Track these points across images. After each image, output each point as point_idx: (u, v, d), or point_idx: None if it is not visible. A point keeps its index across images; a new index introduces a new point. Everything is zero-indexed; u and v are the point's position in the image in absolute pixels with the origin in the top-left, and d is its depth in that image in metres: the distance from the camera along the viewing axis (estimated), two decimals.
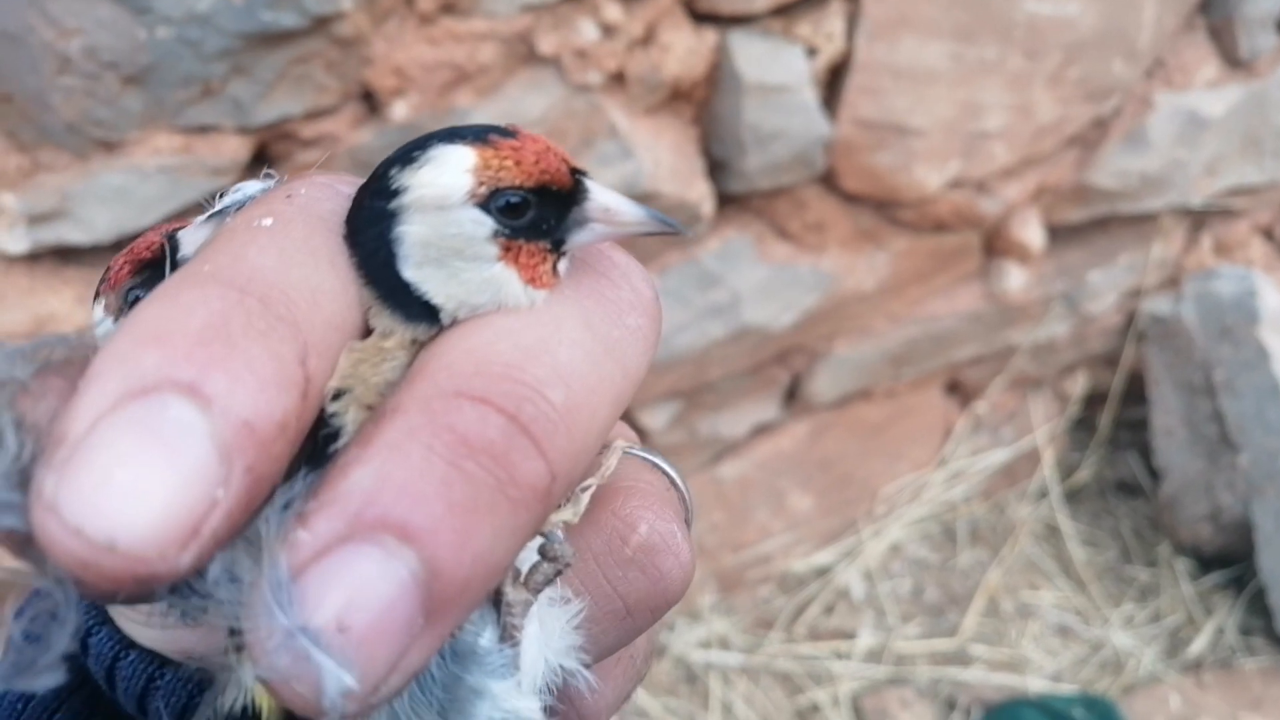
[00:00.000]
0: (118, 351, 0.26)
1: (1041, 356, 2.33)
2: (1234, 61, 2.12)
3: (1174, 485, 2.29)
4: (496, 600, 0.34)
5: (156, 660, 0.38)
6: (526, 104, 1.49)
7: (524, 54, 1.47)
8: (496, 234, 0.32)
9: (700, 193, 1.68)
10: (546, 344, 0.31)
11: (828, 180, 1.83)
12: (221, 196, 0.35)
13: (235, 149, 1.37)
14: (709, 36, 1.60)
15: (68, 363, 0.28)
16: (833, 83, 1.75)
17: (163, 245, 0.35)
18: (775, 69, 1.62)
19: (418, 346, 0.32)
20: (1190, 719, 1.94)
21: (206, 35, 1.25)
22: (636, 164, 1.57)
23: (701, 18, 1.60)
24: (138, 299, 0.32)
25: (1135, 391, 2.39)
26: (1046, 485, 2.37)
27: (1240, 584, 2.18)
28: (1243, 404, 2.17)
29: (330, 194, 0.33)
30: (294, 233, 0.31)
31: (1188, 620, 2.16)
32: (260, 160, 1.43)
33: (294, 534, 0.27)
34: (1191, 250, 2.39)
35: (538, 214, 0.33)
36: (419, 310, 0.32)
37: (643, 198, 1.61)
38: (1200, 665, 2.07)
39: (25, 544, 0.26)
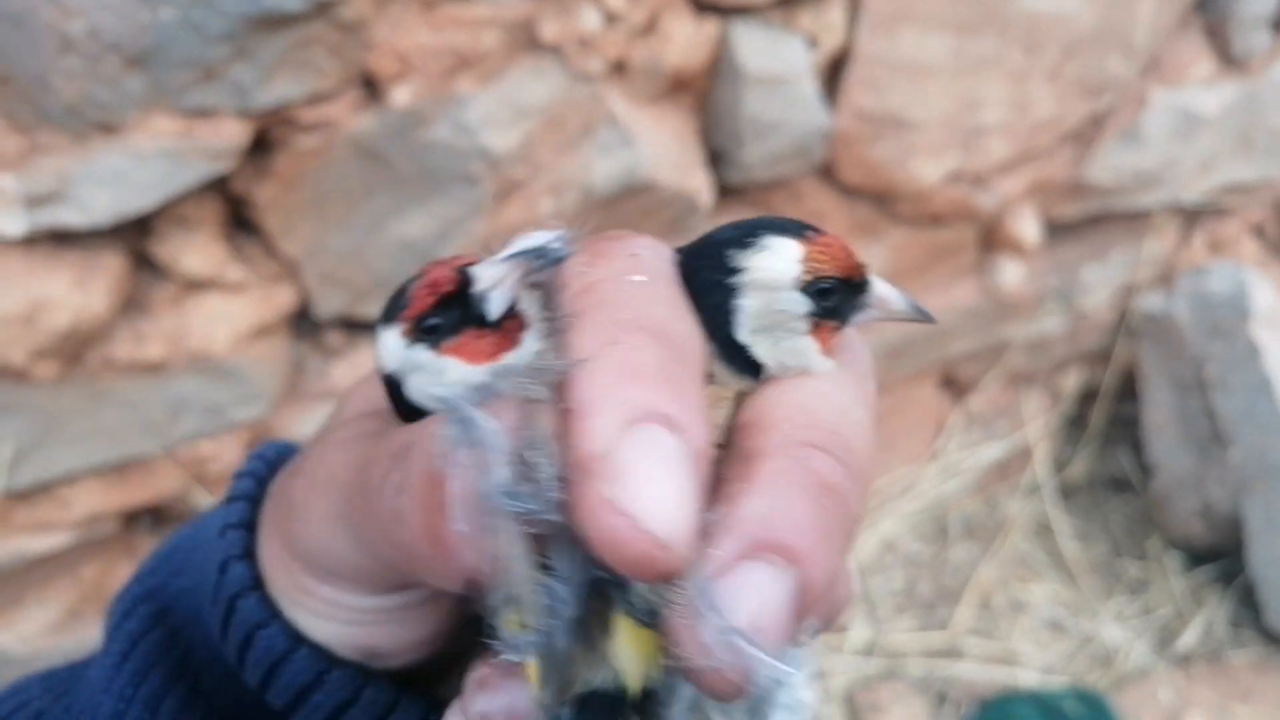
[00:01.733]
0: (605, 384, 0.31)
1: (1035, 352, 2.34)
2: (1228, 60, 2.13)
3: (1165, 481, 2.31)
4: None
5: (326, 658, 0.43)
6: (528, 91, 1.49)
7: (526, 41, 1.47)
8: (810, 313, 0.39)
9: (699, 182, 1.68)
10: (849, 406, 0.38)
11: (826, 172, 1.84)
12: (512, 244, 0.39)
13: (234, 132, 1.36)
14: (710, 26, 1.60)
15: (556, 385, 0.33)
16: (833, 74, 1.75)
17: (459, 280, 0.39)
18: (776, 60, 1.62)
19: (739, 397, 0.39)
20: (1179, 711, 1.95)
21: (210, 17, 1.24)
22: (636, 153, 1.57)
23: (703, 7, 1.60)
24: (436, 327, 0.38)
25: (1128, 388, 2.41)
26: (1039, 480, 2.38)
27: (1230, 578, 2.20)
28: (1234, 400, 2.18)
29: (664, 256, 0.39)
30: (664, 290, 0.36)
31: (1177, 614, 2.18)
32: (259, 145, 1.42)
33: (706, 550, 0.32)
34: (1184, 248, 2.40)
35: (839, 299, 0.40)
36: (745, 366, 0.39)
37: (641, 187, 1.61)
38: (1190, 658, 2.08)
39: (551, 539, 0.32)
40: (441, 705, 0.43)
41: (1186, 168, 2.21)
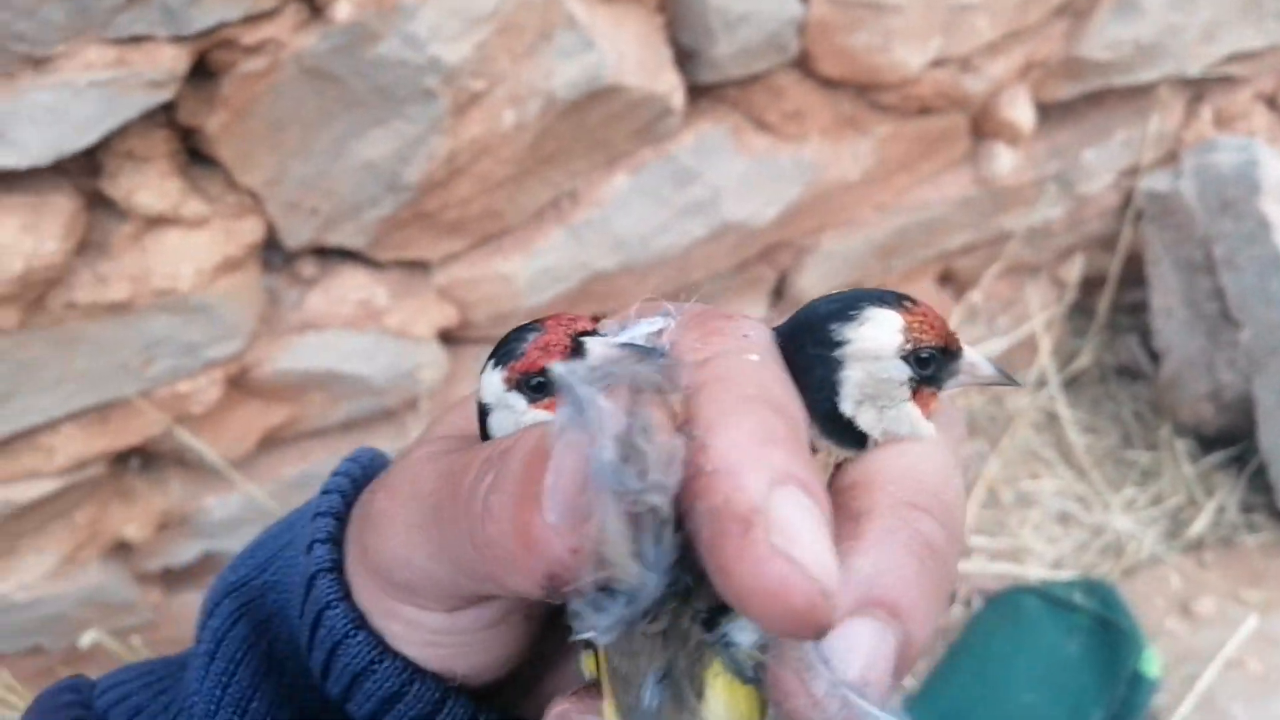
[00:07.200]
0: (747, 446, 0.33)
1: (1036, 241, 2.27)
2: None
3: (1174, 366, 2.25)
4: None
5: (410, 669, 0.44)
6: None
7: None
8: (911, 380, 0.41)
9: (669, 84, 1.61)
10: (948, 470, 0.41)
11: (804, 66, 1.76)
12: (620, 330, 0.41)
13: (172, 59, 1.30)
14: None
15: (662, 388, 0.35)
16: None
17: (572, 349, 0.41)
18: None
19: (836, 467, 0.41)
20: (1190, 598, 1.93)
21: None
22: (598, 55, 1.50)
23: None
24: (541, 385, 0.41)
25: (1134, 273, 2.34)
26: (1045, 373, 2.33)
27: (1241, 462, 2.15)
28: (1244, 279, 2.11)
29: (768, 336, 0.40)
30: (777, 369, 0.38)
31: (1189, 501, 2.14)
32: (202, 71, 1.36)
33: None
34: (1190, 123, 2.30)
35: (936, 366, 0.42)
36: (848, 438, 0.41)
37: (607, 91, 1.54)
38: (1201, 545, 2.05)
39: (646, 528, 0.32)
40: None
41: (1189, 37, 2.10)
